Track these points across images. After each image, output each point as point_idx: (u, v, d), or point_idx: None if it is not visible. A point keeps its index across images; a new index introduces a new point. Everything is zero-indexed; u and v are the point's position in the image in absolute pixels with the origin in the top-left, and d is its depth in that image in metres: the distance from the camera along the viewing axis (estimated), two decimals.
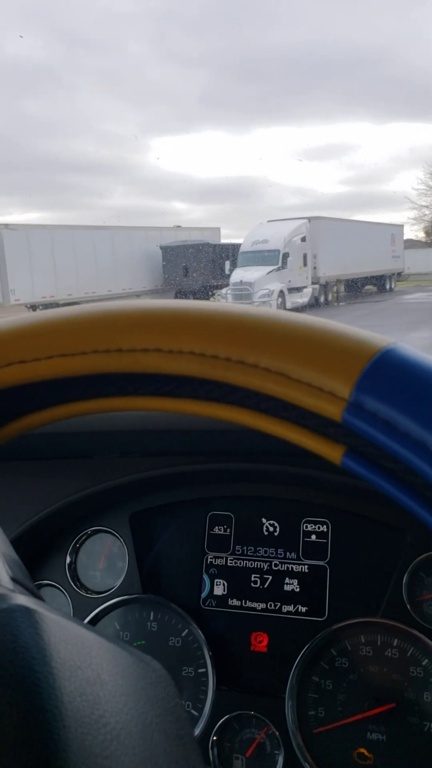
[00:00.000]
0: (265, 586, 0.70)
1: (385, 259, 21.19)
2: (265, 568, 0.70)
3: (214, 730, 0.66)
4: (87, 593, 0.73)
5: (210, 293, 17.58)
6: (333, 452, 0.31)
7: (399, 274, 22.41)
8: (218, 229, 23.01)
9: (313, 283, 17.02)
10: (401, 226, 23.52)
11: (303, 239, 16.79)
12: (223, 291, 15.76)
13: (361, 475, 0.30)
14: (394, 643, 0.65)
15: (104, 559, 0.75)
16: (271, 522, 0.71)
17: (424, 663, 0.63)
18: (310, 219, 17.49)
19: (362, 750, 0.63)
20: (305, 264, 16.73)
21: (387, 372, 0.27)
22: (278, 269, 15.56)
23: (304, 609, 0.68)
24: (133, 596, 0.71)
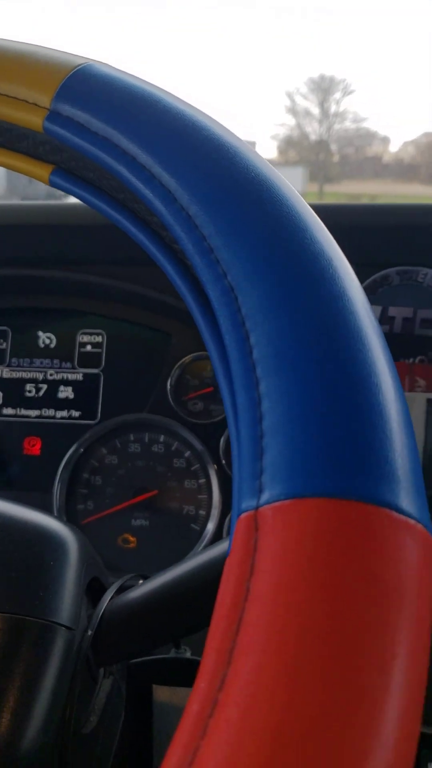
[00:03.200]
0: (40, 394, 0.71)
1: None
2: (41, 378, 0.71)
3: None
4: None
5: None
6: (42, 171, 0.31)
7: None
8: None
9: None
10: (253, 144, 23.55)
11: None
12: None
13: (69, 191, 0.31)
14: (161, 439, 0.69)
15: None
16: (48, 335, 0.72)
17: (186, 455, 0.68)
18: None
19: (127, 535, 0.68)
20: None
21: (83, 81, 0.28)
22: None
23: (77, 414, 0.70)
24: None
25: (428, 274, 0.60)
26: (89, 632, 0.34)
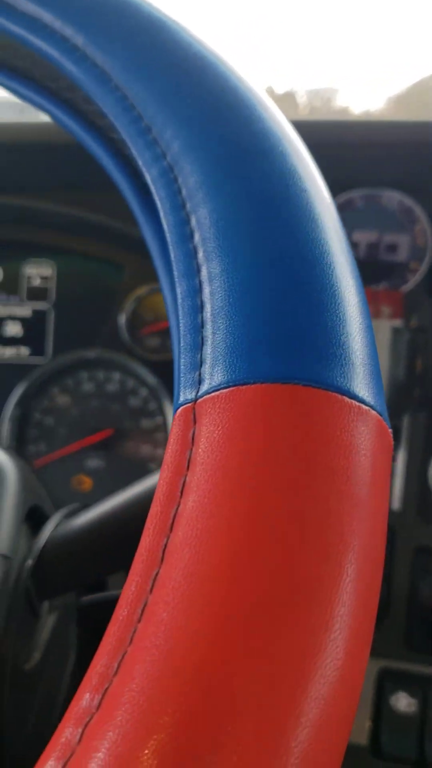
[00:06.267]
0: None
1: None
2: None
3: None
4: None
5: None
6: None
7: None
8: None
9: None
10: None
11: None
12: None
13: None
14: (116, 378, 0.66)
15: None
16: None
17: (143, 394, 0.65)
18: None
19: (81, 476, 0.65)
20: None
21: None
22: None
23: (26, 351, 0.66)
24: None
25: (393, 197, 0.57)
26: (29, 562, 0.32)
